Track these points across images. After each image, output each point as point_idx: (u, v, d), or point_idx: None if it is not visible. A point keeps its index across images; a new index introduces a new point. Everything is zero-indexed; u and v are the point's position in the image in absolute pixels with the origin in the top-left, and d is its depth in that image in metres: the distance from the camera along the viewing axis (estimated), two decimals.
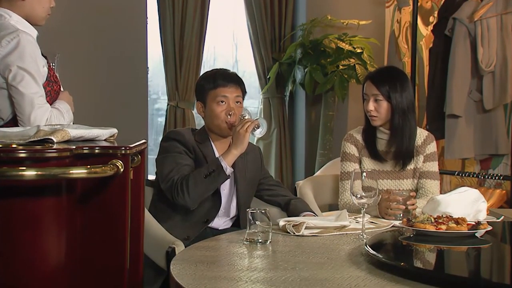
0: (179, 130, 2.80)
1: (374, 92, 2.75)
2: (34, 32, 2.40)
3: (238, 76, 2.77)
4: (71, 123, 2.44)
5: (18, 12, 2.36)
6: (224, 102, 2.66)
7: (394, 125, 2.77)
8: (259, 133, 2.58)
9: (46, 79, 2.36)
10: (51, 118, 2.30)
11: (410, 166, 2.80)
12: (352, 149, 2.83)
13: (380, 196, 2.54)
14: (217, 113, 2.66)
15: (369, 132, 2.84)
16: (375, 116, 2.76)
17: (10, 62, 2.25)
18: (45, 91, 2.34)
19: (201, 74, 4.42)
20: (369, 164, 2.80)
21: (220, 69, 2.80)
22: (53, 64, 2.51)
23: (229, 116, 2.64)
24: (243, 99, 2.74)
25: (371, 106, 2.75)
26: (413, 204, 2.53)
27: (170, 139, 2.67)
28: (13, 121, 2.30)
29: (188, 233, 2.54)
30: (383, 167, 2.80)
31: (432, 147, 2.84)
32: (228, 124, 2.65)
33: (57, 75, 2.52)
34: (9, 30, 2.29)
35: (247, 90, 2.78)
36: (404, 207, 2.51)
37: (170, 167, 2.58)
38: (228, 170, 2.54)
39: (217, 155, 2.68)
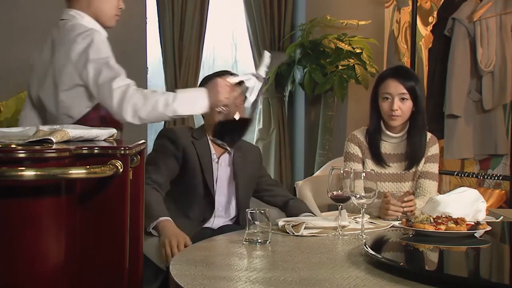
0: (173, 127, 2.81)
1: (401, 91, 2.69)
2: (104, 34, 2.40)
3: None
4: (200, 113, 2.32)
5: (87, 13, 2.38)
6: None
7: (416, 125, 2.74)
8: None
9: None
10: (134, 98, 2.19)
11: (413, 169, 2.79)
12: (355, 150, 2.80)
13: (382, 198, 2.53)
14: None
15: (375, 135, 2.78)
16: (398, 116, 2.71)
17: (87, 58, 2.24)
18: None
19: (200, 74, 4.44)
20: (372, 165, 2.77)
21: (221, 70, 2.81)
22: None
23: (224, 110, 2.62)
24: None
25: (396, 105, 2.68)
26: (411, 206, 2.52)
27: (162, 136, 2.72)
28: (82, 120, 2.29)
29: (185, 233, 2.55)
30: (386, 169, 2.79)
31: (434, 149, 2.81)
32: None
33: None
34: (84, 29, 2.30)
35: None
36: (403, 209, 2.49)
37: (152, 161, 2.63)
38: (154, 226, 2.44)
39: (213, 151, 2.71)
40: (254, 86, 2.21)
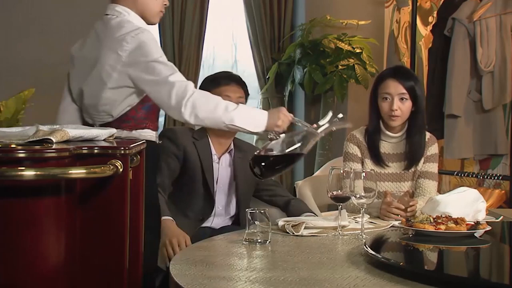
0: (174, 128, 2.81)
1: (400, 91, 2.69)
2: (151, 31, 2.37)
3: (241, 78, 2.78)
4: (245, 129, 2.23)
5: (133, 10, 2.35)
6: None
7: (416, 125, 2.73)
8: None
9: None
10: (195, 96, 2.13)
11: (412, 168, 2.79)
12: (354, 150, 2.80)
13: (383, 198, 2.53)
14: None
15: (374, 135, 2.78)
16: (398, 116, 2.70)
17: (139, 58, 2.21)
18: None
19: (200, 74, 4.45)
20: (371, 165, 2.77)
21: (223, 71, 2.82)
22: None
23: None
24: (245, 101, 2.74)
25: (396, 105, 2.68)
26: (412, 206, 2.51)
27: (162, 137, 2.69)
28: (119, 120, 2.27)
29: (185, 232, 2.55)
30: (385, 169, 2.79)
31: (433, 149, 2.81)
32: None
33: None
34: (133, 27, 2.26)
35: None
36: (405, 214, 2.48)
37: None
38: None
39: (213, 152, 2.73)
40: (303, 137, 2.17)
